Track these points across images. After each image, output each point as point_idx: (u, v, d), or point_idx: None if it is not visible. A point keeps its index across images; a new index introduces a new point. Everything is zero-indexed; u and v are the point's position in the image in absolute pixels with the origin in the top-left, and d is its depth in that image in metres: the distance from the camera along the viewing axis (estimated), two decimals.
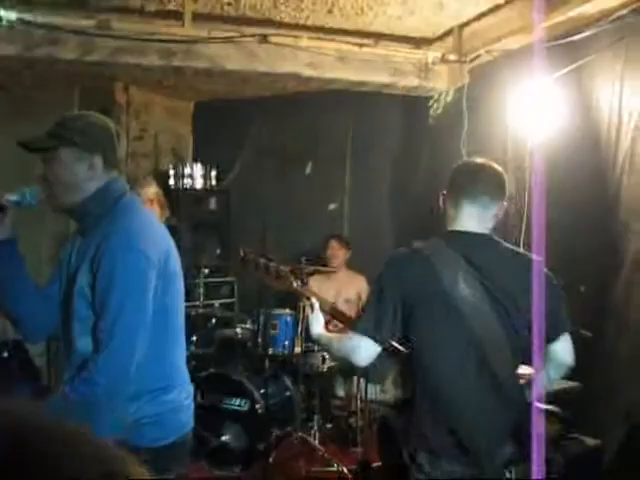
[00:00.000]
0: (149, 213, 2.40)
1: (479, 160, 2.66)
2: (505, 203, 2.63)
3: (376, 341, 2.55)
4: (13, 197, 2.33)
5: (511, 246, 2.67)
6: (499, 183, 2.60)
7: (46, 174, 2.31)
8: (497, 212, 2.61)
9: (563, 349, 2.64)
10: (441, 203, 2.70)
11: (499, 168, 2.62)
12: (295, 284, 3.30)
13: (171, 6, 4.71)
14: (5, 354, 2.84)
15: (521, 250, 2.74)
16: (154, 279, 2.19)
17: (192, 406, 2.46)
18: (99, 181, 2.31)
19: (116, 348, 2.12)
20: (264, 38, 4.79)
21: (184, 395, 2.41)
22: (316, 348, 5.39)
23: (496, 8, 4.70)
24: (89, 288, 2.19)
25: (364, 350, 2.57)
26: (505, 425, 2.58)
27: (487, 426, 2.54)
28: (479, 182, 2.58)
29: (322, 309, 3.13)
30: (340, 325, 4.06)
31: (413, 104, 5.87)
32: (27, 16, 4.39)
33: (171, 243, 2.37)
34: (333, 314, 3.33)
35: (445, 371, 2.51)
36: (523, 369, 2.79)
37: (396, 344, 2.66)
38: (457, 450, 2.51)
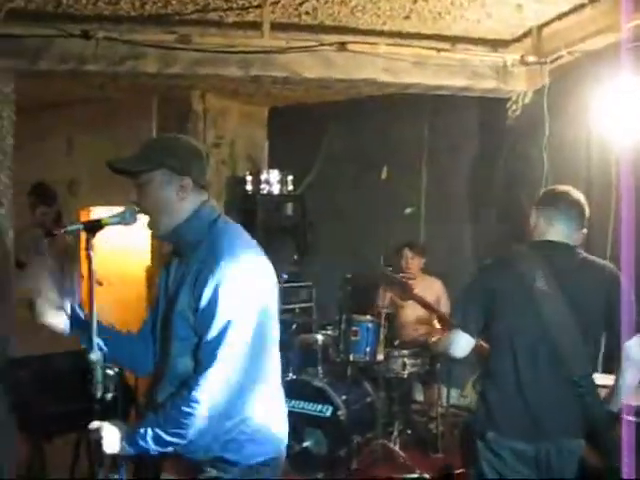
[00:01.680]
0: (242, 233, 2.41)
1: (566, 187, 3.04)
2: (585, 231, 2.99)
3: (469, 334, 2.93)
4: (114, 219, 2.39)
5: (591, 256, 2.98)
6: (581, 210, 2.96)
7: (139, 199, 2.36)
8: (578, 236, 2.97)
9: (637, 347, 2.84)
10: (531, 220, 3.03)
11: (582, 198, 2.99)
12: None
13: (250, 17, 4.75)
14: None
15: (601, 260, 3.01)
16: (255, 302, 2.23)
17: (287, 423, 2.49)
18: (191, 204, 2.34)
19: (219, 368, 2.16)
20: (342, 46, 4.79)
21: (281, 412, 2.45)
22: (397, 354, 5.40)
23: (579, 7, 4.59)
24: (190, 311, 2.23)
25: (460, 342, 2.96)
26: (575, 419, 2.84)
27: (556, 413, 2.81)
28: (566, 203, 2.95)
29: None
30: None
31: (490, 106, 5.80)
32: (113, 34, 4.50)
33: (266, 262, 2.39)
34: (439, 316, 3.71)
35: (519, 358, 2.84)
36: (605, 378, 3.11)
37: (482, 342, 3.07)
38: (524, 430, 2.81)
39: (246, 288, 2.21)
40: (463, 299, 3.07)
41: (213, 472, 2.30)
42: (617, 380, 2.91)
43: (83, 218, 7.48)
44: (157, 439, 2.19)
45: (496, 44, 5.28)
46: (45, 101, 6.54)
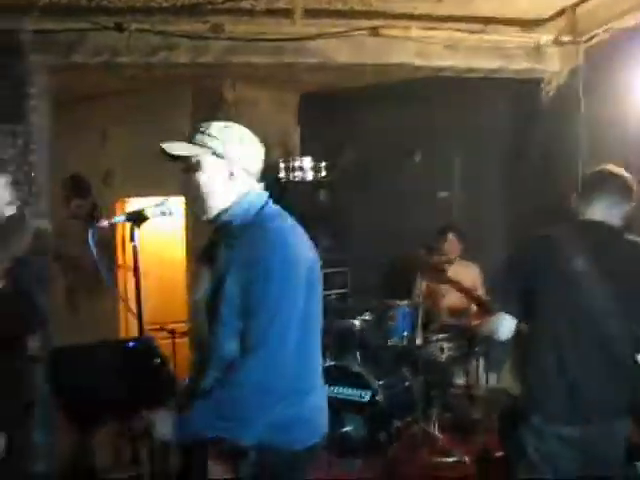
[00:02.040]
0: (292, 221, 2.42)
1: (614, 167, 2.99)
2: (628, 207, 2.94)
3: (510, 314, 2.92)
4: (157, 210, 2.43)
5: (634, 237, 2.96)
6: (628, 187, 2.93)
7: (188, 183, 2.37)
8: (623, 212, 2.93)
9: None
10: (573, 201, 3.03)
11: (630, 176, 2.96)
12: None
13: (281, 4, 4.75)
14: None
15: None
16: (303, 285, 2.25)
17: (326, 410, 2.49)
18: (240, 189, 2.35)
19: (269, 350, 2.18)
20: (374, 30, 4.79)
21: (323, 397, 2.46)
22: (434, 338, 5.40)
23: None
24: (237, 295, 2.25)
25: (504, 325, 2.94)
26: (621, 400, 2.83)
27: (602, 396, 2.80)
28: (611, 181, 2.94)
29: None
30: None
31: (524, 87, 5.73)
32: (145, 25, 4.53)
33: (313, 250, 2.40)
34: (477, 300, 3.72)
35: (562, 340, 2.82)
36: None
37: (523, 323, 3.01)
38: (569, 414, 2.79)
39: (294, 273, 2.22)
40: (502, 279, 3.05)
41: (254, 457, 2.28)
42: None
43: (119, 210, 7.57)
44: (208, 424, 2.21)
45: (529, 24, 5.22)
46: (79, 94, 6.60)
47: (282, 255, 2.21)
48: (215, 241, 2.45)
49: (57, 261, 5.90)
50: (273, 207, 2.41)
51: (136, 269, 2.45)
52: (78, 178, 7.61)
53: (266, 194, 2.44)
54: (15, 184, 4.34)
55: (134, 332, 2.60)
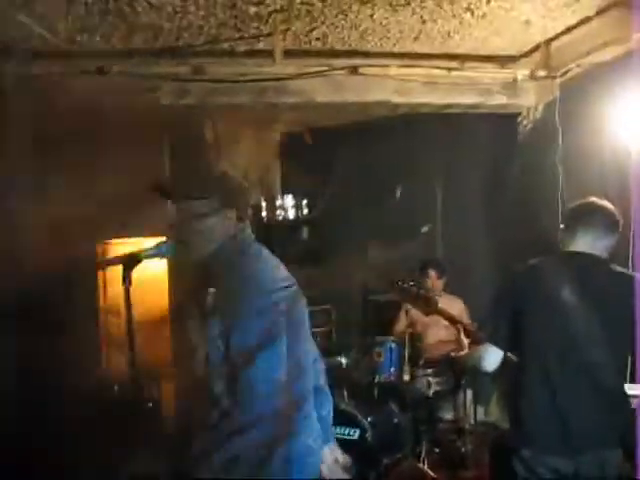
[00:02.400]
0: (274, 258, 2.44)
1: (598, 200, 3.04)
2: (613, 239, 2.99)
3: (498, 346, 2.95)
4: (151, 252, 2.43)
5: (619, 267, 2.99)
6: (613, 219, 2.98)
7: (181, 224, 2.40)
8: (608, 244, 2.99)
9: None
10: (560, 235, 3.08)
11: (613, 208, 2.99)
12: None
13: (261, 45, 4.81)
14: None
15: (628, 271, 3.04)
16: (284, 325, 2.25)
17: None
18: (229, 231, 2.39)
19: (255, 396, 2.18)
20: (354, 69, 4.86)
21: (314, 439, 2.44)
22: (421, 373, 5.39)
23: (585, 20, 4.63)
24: (220, 337, 2.25)
25: (490, 356, 2.97)
26: (610, 430, 2.84)
27: (592, 425, 2.81)
28: (595, 214, 2.98)
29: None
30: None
31: (501, 122, 5.82)
32: (124, 68, 4.56)
33: (295, 287, 2.41)
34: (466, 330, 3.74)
35: (550, 371, 2.83)
36: (633, 388, 3.05)
37: (510, 354, 3.04)
38: (560, 445, 2.79)
39: (274, 315, 2.23)
40: (491, 313, 3.07)
41: None
42: None
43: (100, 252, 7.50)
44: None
45: (505, 60, 5.32)
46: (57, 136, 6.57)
47: (257, 302, 2.24)
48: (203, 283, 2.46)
49: None
50: (257, 246, 2.46)
51: (129, 312, 2.44)
52: None
53: (251, 234, 2.49)
54: None
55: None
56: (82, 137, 6.22)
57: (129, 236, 6.80)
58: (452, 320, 4.76)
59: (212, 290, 2.39)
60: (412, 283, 4.58)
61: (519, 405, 2.96)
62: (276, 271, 2.38)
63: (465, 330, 3.98)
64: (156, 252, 2.45)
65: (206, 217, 2.38)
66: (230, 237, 2.40)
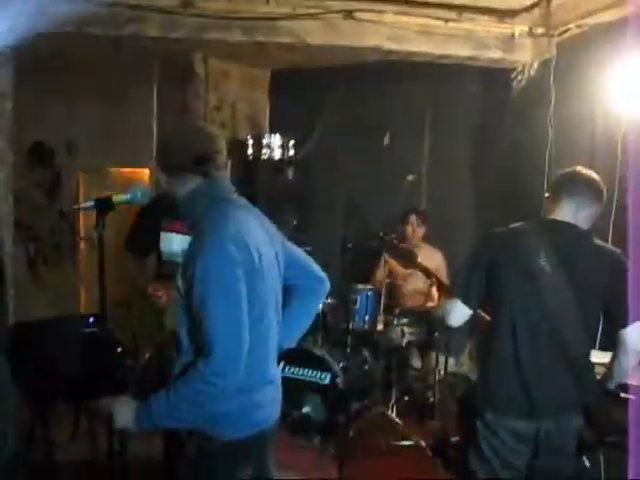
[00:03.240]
0: (242, 210, 2.42)
1: (584, 169, 2.99)
2: (596, 210, 2.95)
3: (467, 304, 2.95)
4: (126, 196, 2.41)
5: (599, 241, 2.97)
6: (598, 189, 2.95)
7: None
8: (592, 214, 2.95)
9: (634, 334, 2.86)
10: (544, 203, 3.04)
11: (598, 178, 2.95)
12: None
13: None
14: None
15: (608, 245, 3.03)
16: (242, 277, 2.25)
17: (276, 401, 2.53)
18: (187, 188, 2.37)
19: (222, 349, 2.19)
20: (349, 14, 4.75)
21: (263, 392, 2.45)
22: (395, 322, 5.44)
23: None
24: (183, 291, 2.27)
25: (457, 312, 2.99)
26: (573, 396, 2.87)
27: (555, 391, 2.85)
28: (580, 184, 2.94)
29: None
30: None
31: (495, 76, 5.74)
32: None
33: (262, 238, 2.40)
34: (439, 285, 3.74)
35: (519, 335, 2.84)
36: (602, 356, 3.14)
37: (482, 313, 3.09)
38: (523, 409, 2.83)
39: (231, 267, 2.23)
40: (464, 269, 3.03)
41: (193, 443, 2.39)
42: (612, 363, 2.96)
43: (82, 181, 7.46)
44: (169, 415, 2.24)
45: (504, 14, 5.23)
46: (44, 61, 6.45)
47: (215, 253, 2.22)
48: None
49: (17, 229, 5.84)
50: (227, 200, 2.41)
51: (101, 256, 2.43)
52: (42, 146, 7.46)
53: (224, 187, 2.44)
54: None
55: (94, 306, 2.59)
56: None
57: (114, 166, 6.78)
58: (427, 273, 4.82)
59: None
60: (394, 236, 4.63)
61: (486, 366, 3.01)
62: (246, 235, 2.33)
63: (438, 284, 4.03)
64: (130, 199, 2.43)
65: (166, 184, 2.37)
66: (189, 192, 2.36)
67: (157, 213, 3.18)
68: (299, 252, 2.67)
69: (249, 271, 2.27)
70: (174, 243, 3.51)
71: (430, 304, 5.49)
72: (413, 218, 5.97)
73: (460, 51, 5.24)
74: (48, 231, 6.84)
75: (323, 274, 2.73)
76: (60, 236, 6.56)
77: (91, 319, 3.94)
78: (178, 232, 2.46)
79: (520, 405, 2.85)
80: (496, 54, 5.30)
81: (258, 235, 2.39)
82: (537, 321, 2.84)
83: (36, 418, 4.62)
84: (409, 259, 4.49)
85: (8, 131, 4.96)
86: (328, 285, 2.76)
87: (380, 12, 4.86)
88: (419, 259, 5.26)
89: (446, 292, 3.43)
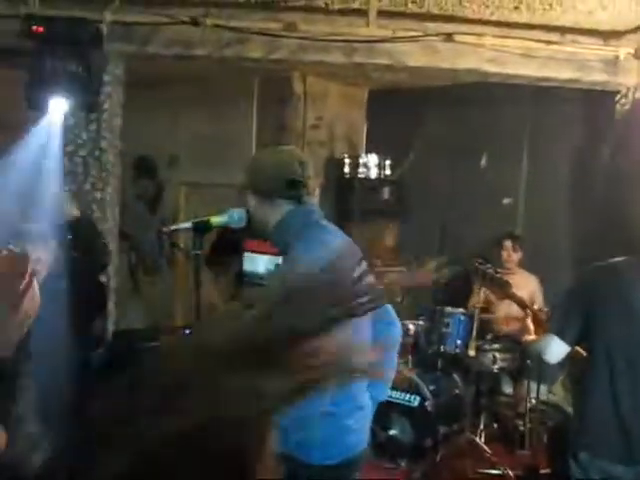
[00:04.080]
0: (333, 236, 2.44)
1: None
2: None
3: (564, 340, 2.88)
4: (223, 218, 2.47)
5: None
6: None
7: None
8: None
9: None
10: None
11: None
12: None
13: (355, 4, 4.75)
14: None
15: None
16: None
17: (365, 428, 2.52)
18: (279, 213, 2.42)
19: None
20: (448, 36, 4.73)
21: (354, 419, 2.45)
22: (488, 347, 5.36)
23: None
24: None
25: (554, 348, 2.93)
26: None
27: None
28: None
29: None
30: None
31: (596, 99, 5.60)
32: (219, 20, 4.58)
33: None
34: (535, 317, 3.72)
35: (616, 373, 2.75)
36: None
37: (579, 348, 3.00)
38: (621, 452, 2.72)
39: None
40: (562, 304, 3.01)
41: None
42: None
43: (183, 194, 7.68)
44: None
45: (607, 36, 5.09)
46: (151, 79, 6.70)
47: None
48: None
49: (122, 239, 6.08)
50: (317, 226, 2.44)
51: (197, 276, 2.49)
52: (146, 160, 7.73)
53: (313, 212, 2.48)
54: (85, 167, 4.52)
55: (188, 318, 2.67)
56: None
57: (214, 180, 6.96)
58: (522, 305, 4.71)
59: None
60: (489, 266, 4.57)
61: (582, 406, 2.93)
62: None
63: (534, 317, 3.94)
64: (227, 221, 2.48)
65: (254, 204, 2.43)
66: (282, 217, 2.41)
67: (239, 233, 3.27)
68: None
69: None
70: (260, 264, 3.56)
71: (526, 336, 5.37)
72: (509, 243, 5.86)
73: (561, 74, 5.12)
74: (149, 242, 7.07)
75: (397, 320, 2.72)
76: (159, 248, 6.77)
77: (187, 331, 4.05)
78: (264, 253, 2.49)
79: (618, 448, 2.75)
80: (599, 77, 5.15)
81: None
82: (635, 358, 2.75)
83: None
84: (504, 290, 4.42)
85: (117, 146, 5.17)
86: (401, 331, 2.77)
87: (480, 35, 4.82)
88: (514, 286, 5.18)
89: (542, 325, 3.37)
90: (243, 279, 4.12)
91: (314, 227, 2.41)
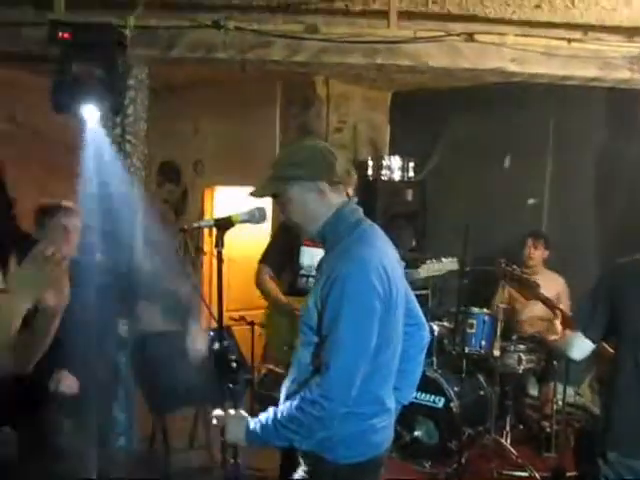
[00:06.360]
0: (382, 240, 2.43)
1: None
2: None
3: (589, 337, 2.88)
4: (244, 217, 2.48)
5: None
6: None
7: (285, 213, 2.44)
8: None
9: None
10: None
11: None
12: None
13: (376, 5, 4.76)
14: None
15: None
16: (379, 310, 2.26)
17: (390, 426, 2.50)
18: (333, 204, 2.38)
19: (336, 376, 2.20)
20: (470, 36, 4.72)
21: (379, 419, 2.42)
22: (513, 348, 5.33)
23: None
24: (314, 309, 2.29)
25: (579, 345, 2.92)
26: None
27: None
28: None
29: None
30: None
31: (621, 97, 5.55)
32: (242, 24, 4.61)
33: (399, 271, 2.42)
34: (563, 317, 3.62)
35: None
36: None
37: (606, 345, 3.01)
38: None
39: (371, 298, 2.23)
40: (587, 301, 2.97)
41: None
42: None
43: (207, 198, 7.73)
44: (277, 435, 2.28)
45: (632, 33, 5.03)
46: (174, 83, 6.77)
47: (358, 282, 2.22)
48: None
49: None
50: (364, 225, 2.41)
51: (220, 275, 2.51)
52: (171, 165, 7.82)
53: (358, 210, 2.45)
54: None
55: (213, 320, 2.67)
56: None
57: (238, 184, 6.99)
58: (550, 305, 4.68)
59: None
60: (515, 267, 4.55)
61: (610, 405, 2.88)
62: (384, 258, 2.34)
63: (563, 317, 3.92)
64: (249, 217, 2.50)
65: (298, 200, 2.37)
66: (337, 209, 2.37)
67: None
68: (413, 297, 2.64)
69: (385, 305, 2.27)
70: (315, 257, 3.59)
71: (553, 337, 5.34)
72: (534, 242, 5.83)
73: (585, 72, 5.07)
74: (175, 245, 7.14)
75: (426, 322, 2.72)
76: (184, 250, 6.82)
77: (211, 333, 4.07)
78: (319, 247, 2.51)
79: None
80: (624, 74, 5.09)
81: (397, 270, 2.38)
82: None
83: (156, 425, 4.84)
84: (531, 291, 4.38)
85: (142, 151, 5.21)
86: (429, 335, 2.77)
87: (502, 34, 4.80)
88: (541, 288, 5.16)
89: (570, 326, 3.36)
90: (299, 272, 4.27)
91: (367, 227, 2.40)
